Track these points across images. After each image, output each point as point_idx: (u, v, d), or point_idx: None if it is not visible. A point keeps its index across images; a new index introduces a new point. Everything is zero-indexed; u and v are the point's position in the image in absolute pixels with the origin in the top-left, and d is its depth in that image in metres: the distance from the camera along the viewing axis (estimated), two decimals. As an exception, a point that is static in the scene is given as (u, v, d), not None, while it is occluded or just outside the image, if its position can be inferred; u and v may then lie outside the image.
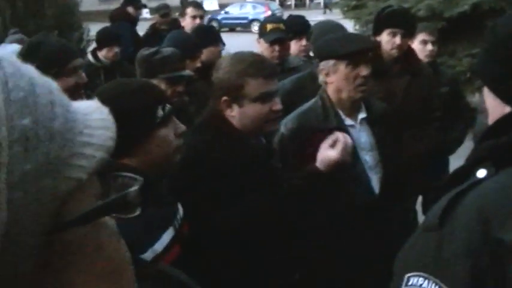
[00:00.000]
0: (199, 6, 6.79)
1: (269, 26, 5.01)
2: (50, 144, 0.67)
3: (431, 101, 4.70)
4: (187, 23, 6.56)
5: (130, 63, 6.25)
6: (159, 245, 2.22)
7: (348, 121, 3.35)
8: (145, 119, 2.26)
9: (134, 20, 8.59)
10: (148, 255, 2.12)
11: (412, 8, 9.50)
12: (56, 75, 3.08)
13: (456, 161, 6.36)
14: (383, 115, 3.52)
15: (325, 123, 3.28)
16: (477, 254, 1.26)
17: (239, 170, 2.75)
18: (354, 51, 3.26)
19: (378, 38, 4.59)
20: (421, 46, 5.23)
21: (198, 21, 6.54)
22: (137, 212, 0.81)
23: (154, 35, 7.71)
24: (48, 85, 0.72)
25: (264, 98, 2.81)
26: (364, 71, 3.26)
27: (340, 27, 4.51)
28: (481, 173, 1.40)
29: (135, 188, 0.76)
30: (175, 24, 8.40)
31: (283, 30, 5.01)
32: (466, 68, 9.54)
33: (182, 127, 2.41)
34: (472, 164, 1.44)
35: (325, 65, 3.32)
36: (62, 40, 3.61)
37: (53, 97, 0.71)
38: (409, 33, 4.61)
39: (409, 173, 3.91)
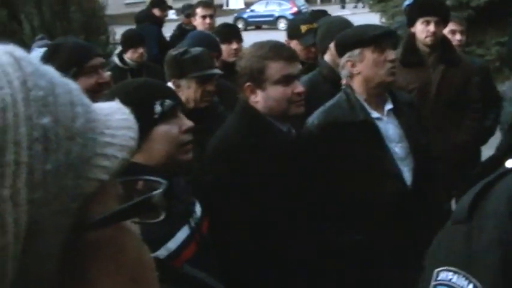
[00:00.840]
0: (209, 5, 6.70)
1: (303, 27, 4.89)
2: (71, 143, 0.67)
3: (468, 91, 4.69)
4: (198, 23, 6.51)
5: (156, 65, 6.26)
6: (173, 243, 2.22)
7: (375, 114, 3.33)
8: (141, 115, 2.24)
9: (160, 22, 8.60)
10: (161, 253, 2.13)
11: (439, -2, 9.44)
12: (75, 75, 3.13)
13: (488, 151, 6.28)
14: (409, 104, 3.51)
15: (352, 117, 3.27)
16: (508, 245, 1.23)
17: (272, 160, 2.82)
18: (378, 34, 3.28)
19: (412, 29, 4.64)
20: (449, 36, 5.17)
21: (208, 20, 6.46)
22: (162, 217, 0.80)
23: (182, 35, 7.71)
24: (68, 85, 0.72)
25: (285, 80, 2.90)
26: (390, 55, 3.28)
27: (348, 24, 4.37)
28: (510, 163, 1.37)
29: (159, 190, 0.76)
30: None
31: (317, 29, 4.92)
32: (495, 56, 9.43)
33: (188, 123, 2.40)
34: (501, 154, 1.41)
35: (351, 55, 3.31)
36: (79, 40, 3.64)
37: (72, 97, 0.71)
38: (442, 21, 4.62)
39: (443, 164, 3.88)
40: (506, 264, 1.22)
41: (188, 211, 2.41)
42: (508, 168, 1.36)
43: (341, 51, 3.42)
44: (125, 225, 0.77)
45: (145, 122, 2.23)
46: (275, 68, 2.89)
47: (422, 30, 4.56)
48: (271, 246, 2.75)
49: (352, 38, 3.35)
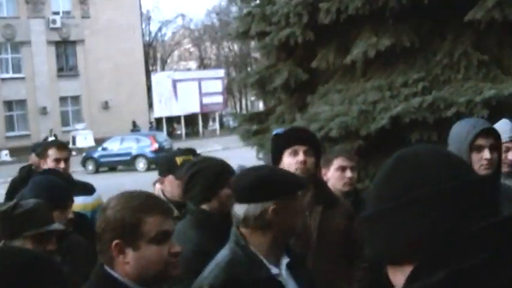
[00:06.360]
0: (64, 147, 6.65)
1: (179, 159, 4.98)
2: None
3: (352, 236, 4.62)
4: (50, 167, 6.43)
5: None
6: None
7: (274, 269, 3.34)
8: None
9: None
10: None
11: (323, 128, 9.72)
12: None
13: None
14: (303, 259, 3.59)
15: (254, 275, 3.26)
16: None
17: None
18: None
19: (280, 166, 4.48)
20: (338, 173, 5.28)
21: (62, 165, 6.41)
22: None
23: (27, 180, 7.57)
24: None
25: (162, 238, 2.83)
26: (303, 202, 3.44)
27: None
28: None
29: None
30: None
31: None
32: (392, 192, 9.69)
33: None
34: None
35: (280, 202, 3.29)
36: None
37: None
38: (313, 150, 4.52)
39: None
40: None
41: None
42: None
43: (264, 196, 3.32)
44: None
45: None
46: (151, 224, 2.82)
47: (290, 163, 4.42)
48: None
49: (290, 183, 3.40)
